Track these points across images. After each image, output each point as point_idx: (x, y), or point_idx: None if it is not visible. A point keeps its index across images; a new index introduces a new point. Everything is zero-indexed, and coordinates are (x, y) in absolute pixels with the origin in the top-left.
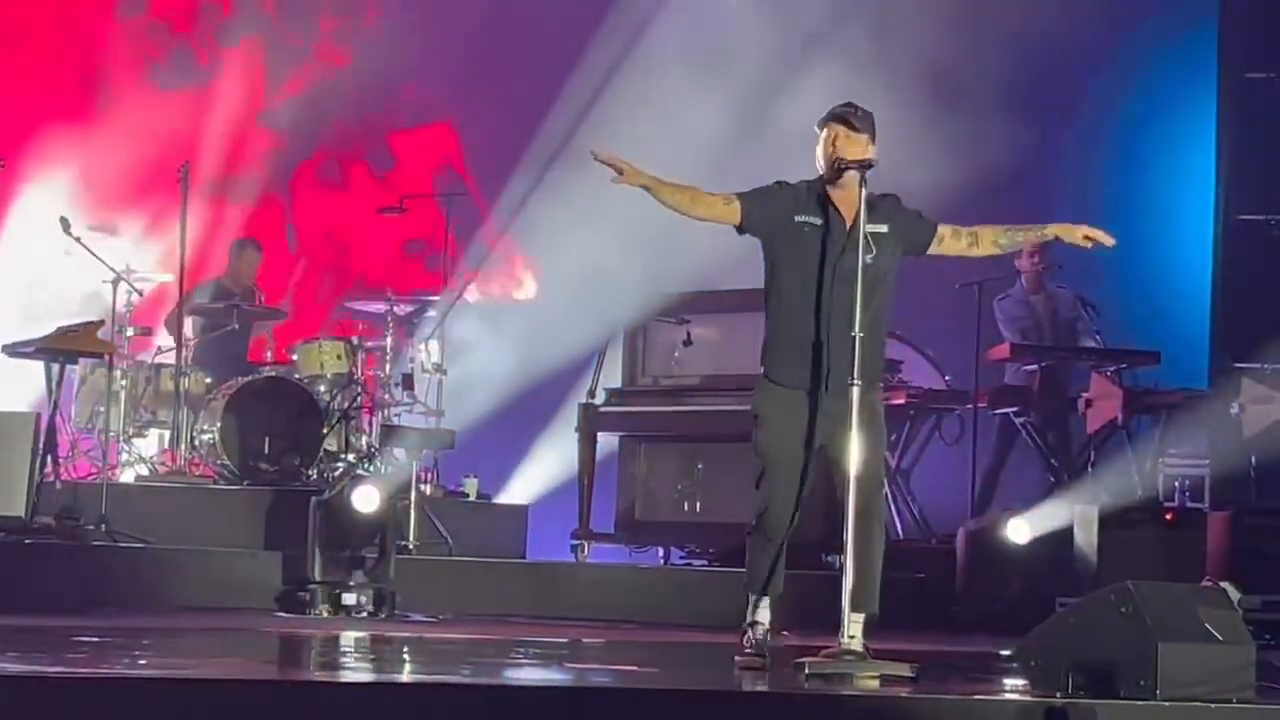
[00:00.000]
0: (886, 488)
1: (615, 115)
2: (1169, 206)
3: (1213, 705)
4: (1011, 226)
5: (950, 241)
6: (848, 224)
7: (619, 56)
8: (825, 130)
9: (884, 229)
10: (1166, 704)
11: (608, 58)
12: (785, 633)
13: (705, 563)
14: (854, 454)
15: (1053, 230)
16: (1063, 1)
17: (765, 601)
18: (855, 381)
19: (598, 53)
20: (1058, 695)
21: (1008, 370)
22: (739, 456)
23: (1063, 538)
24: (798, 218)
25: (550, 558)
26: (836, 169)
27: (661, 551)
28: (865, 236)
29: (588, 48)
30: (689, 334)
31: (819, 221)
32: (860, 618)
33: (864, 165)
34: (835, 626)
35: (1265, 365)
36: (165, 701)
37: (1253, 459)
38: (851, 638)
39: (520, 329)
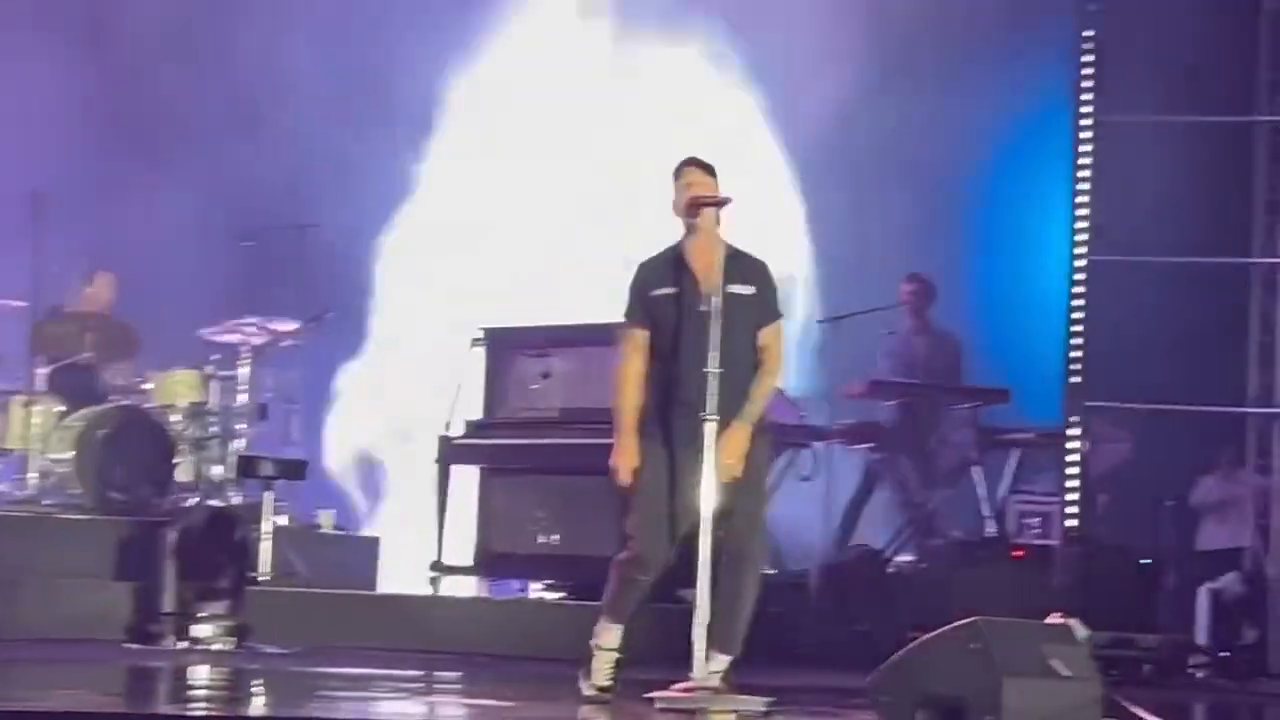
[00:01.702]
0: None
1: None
2: (1026, 246)
3: None
4: (755, 390)
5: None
6: (702, 288)
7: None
8: (680, 177)
9: (750, 291)
10: None
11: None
12: None
13: (562, 596)
14: (707, 490)
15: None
16: (910, 42)
17: (619, 629)
18: (709, 416)
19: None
20: None
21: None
22: (596, 490)
23: (916, 573)
24: (654, 292)
25: (408, 590)
26: (695, 207)
27: (518, 584)
28: (725, 268)
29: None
30: (548, 367)
31: (673, 290)
32: (725, 660)
33: (719, 202)
34: (687, 661)
35: (1116, 404)
36: None
37: (1100, 497)
38: (714, 672)
39: (383, 359)
